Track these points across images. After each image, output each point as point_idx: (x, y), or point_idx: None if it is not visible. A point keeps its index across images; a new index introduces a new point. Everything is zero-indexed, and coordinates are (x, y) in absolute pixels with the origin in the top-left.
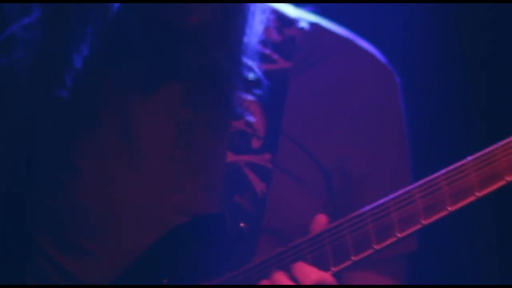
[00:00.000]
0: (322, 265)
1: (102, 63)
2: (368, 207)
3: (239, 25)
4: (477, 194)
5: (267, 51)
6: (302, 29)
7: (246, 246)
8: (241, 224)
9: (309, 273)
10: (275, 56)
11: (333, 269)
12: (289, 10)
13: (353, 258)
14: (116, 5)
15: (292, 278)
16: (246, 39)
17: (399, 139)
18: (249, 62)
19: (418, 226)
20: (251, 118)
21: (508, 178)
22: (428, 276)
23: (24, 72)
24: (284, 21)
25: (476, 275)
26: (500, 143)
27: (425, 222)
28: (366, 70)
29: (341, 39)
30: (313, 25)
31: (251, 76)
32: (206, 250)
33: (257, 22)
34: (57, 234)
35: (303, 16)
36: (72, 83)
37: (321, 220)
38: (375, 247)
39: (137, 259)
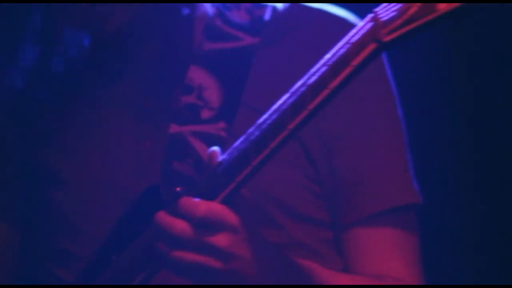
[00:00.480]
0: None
1: (70, 74)
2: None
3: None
4: (331, 86)
5: (233, 31)
6: (273, 8)
7: None
8: (177, 189)
9: (196, 205)
10: (241, 34)
11: (237, 179)
12: None
13: (252, 163)
14: None
15: (180, 215)
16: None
17: (382, 97)
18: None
19: (305, 113)
20: (204, 92)
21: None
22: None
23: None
24: (258, 5)
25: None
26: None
27: (311, 107)
28: (338, 35)
29: (313, 10)
30: (287, 5)
31: (203, 54)
32: (148, 222)
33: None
34: (49, 245)
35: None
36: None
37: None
38: (271, 145)
39: (98, 247)
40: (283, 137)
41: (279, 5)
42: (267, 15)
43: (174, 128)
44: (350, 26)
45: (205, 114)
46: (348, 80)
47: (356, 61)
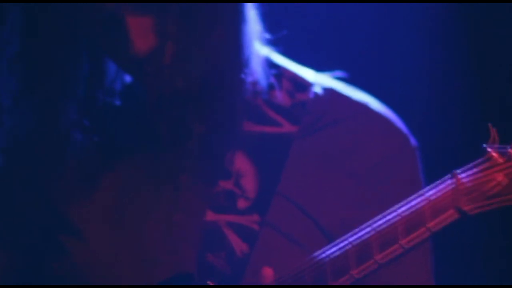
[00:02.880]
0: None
1: (106, 133)
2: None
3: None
4: (402, 243)
5: (272, 115)
6: (315, 94)
7: None
8: (208, 282)
9: None
10: (281, 119)
11: None
12: (307, 74)
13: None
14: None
15: None
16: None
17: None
18: (240, 126)
19: (373, 266)
20: (241, 179)
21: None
22: None
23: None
24: (298, 86)
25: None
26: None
27: (377, 258)
28: (378, 134)
29: (354, 103)
30: (327, 90)
31: (243, 137)
32: None
33: (254, 85)
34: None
35: (320, 80)
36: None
37: (267, 274)
38: (355, 274)
39: None
40: (345, 280)
41: (320, 88)
42: (308, 100)
43: (210, 216)
44: (391, 127)
45: (241, 204)
46: (421, 242)
47: (432, 224)
